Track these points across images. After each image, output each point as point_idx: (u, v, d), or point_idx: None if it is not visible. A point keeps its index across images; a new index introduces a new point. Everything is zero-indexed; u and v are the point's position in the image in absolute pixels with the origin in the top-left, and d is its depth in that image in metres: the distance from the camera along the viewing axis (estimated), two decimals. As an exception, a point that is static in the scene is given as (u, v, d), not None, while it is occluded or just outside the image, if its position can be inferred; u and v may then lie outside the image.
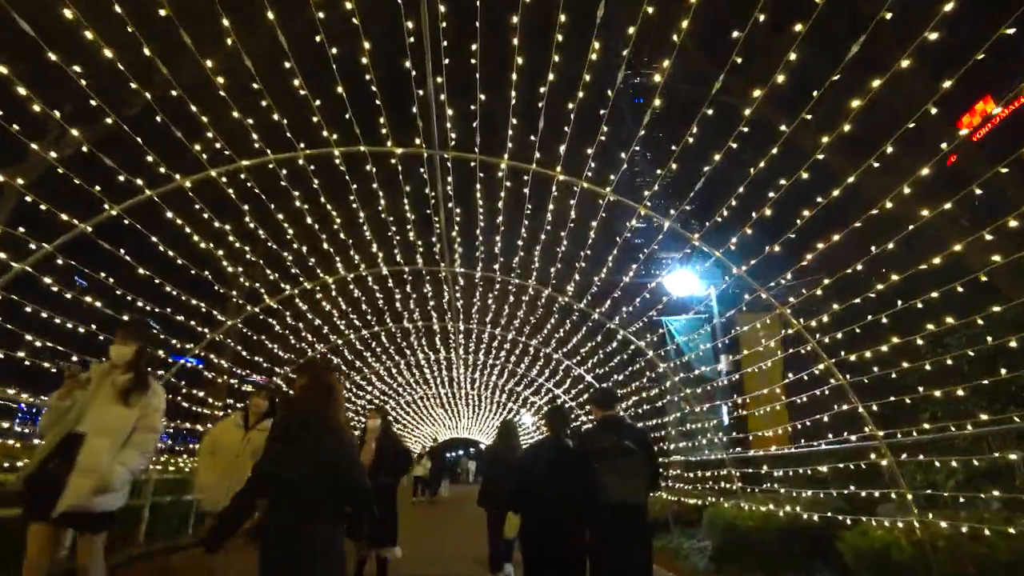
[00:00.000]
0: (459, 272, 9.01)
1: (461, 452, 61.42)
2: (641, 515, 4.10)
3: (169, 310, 7.02)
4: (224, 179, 6.11)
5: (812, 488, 7.05)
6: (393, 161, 6.30)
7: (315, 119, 5.64)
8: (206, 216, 6.44)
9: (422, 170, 6.46)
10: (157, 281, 6.64)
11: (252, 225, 6.91)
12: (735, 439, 10.48)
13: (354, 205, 7.04)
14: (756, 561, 6.80)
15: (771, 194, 5.74)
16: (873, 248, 4.91)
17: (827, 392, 6.10)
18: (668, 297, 13.53)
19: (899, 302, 5.18)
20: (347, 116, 5.61)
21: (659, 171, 6.16)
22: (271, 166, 6.19)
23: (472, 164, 6.23)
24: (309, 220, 7.10)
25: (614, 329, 9.56)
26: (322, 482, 2.60)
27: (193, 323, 7.70)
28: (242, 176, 6.18)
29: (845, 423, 6.27)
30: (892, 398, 5.63)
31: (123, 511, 3.60)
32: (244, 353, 9.73)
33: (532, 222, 7.08)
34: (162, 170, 5.57)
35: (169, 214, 6.07)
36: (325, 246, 7.81)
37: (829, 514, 6.51)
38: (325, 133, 5.86)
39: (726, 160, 5.73)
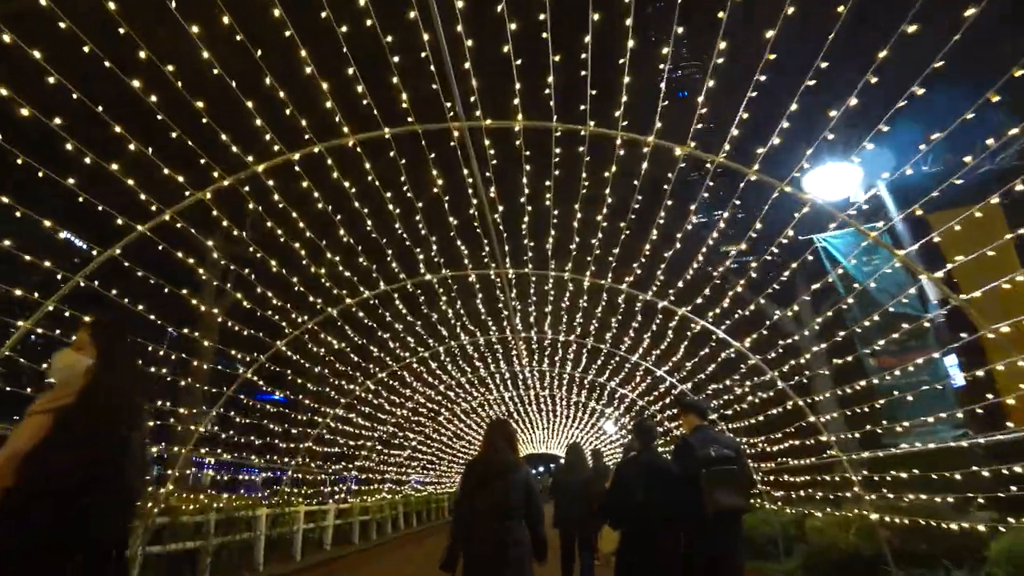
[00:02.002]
0: (490, 157, 5.01)
1: (541, 468, 59.26)
2: (742, 521, 4.21)
3: None
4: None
5: None
6: None
7: None
8: None
9: None
10: None
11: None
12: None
13: None
14: None
15: None
16: None
17: None
18: (812, 204, 8.97)
19: None
20: None
21: None
22: None
23: None
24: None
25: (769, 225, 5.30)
26: (501, 512, 3.43)
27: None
28: None
29: None
30: None
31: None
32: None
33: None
34: None
35: None
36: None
37: None
38: None
39: None
